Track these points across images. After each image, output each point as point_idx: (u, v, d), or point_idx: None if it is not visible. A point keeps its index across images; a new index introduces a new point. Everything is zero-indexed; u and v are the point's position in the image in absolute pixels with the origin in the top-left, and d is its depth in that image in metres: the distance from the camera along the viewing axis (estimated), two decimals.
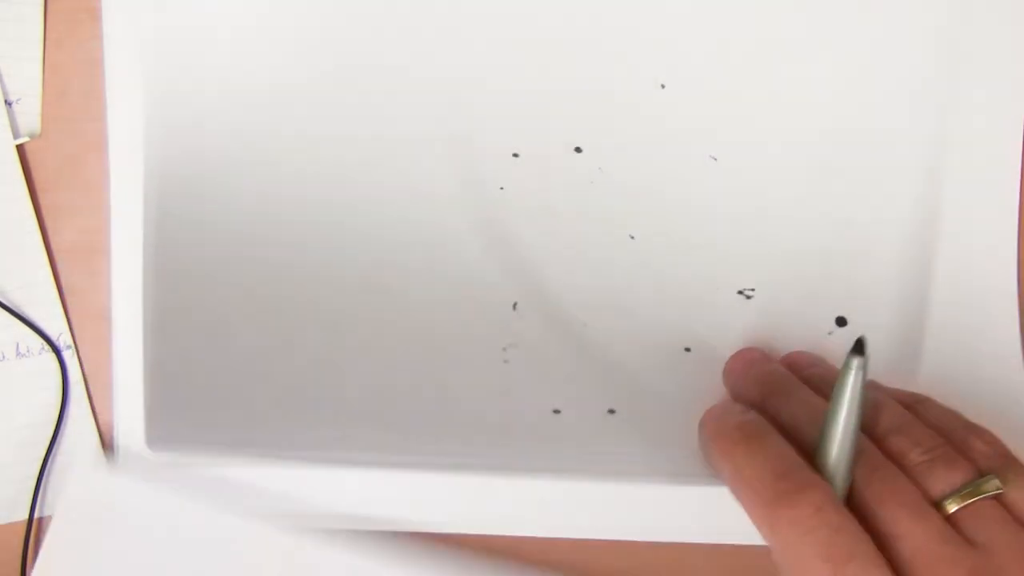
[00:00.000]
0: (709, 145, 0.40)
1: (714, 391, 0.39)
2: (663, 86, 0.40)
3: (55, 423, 0.39)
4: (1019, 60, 0.39)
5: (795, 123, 0.40)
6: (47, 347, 0.39)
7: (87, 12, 0.39)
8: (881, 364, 0.36)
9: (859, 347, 0.31)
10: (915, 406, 0.34)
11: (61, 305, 0.39)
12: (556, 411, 0.39)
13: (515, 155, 0.40)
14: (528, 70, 0.40)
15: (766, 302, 0.39)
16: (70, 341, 0.39)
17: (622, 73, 0.40)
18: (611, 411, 0.39)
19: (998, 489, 0.31)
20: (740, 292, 0.39)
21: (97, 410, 0.39)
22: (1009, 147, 0.39)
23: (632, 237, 0.39)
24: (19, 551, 0.39)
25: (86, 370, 0.40)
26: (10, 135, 0.39)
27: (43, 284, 0.39)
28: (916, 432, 0.33)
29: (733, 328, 0.39)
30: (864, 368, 0.31)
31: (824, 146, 0.40)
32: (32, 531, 0.39)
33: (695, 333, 0.39)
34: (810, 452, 0.32)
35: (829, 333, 0.39)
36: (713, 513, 0.36)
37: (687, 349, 0.39)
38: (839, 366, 0.31)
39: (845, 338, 0.39)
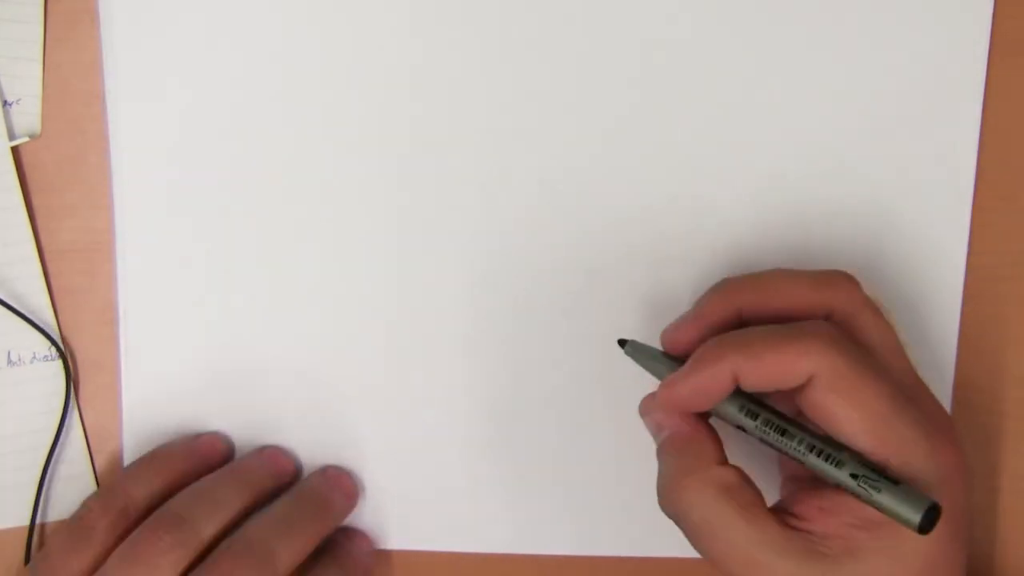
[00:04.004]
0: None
1: None
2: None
3: (55, 429, 0.39)
4: None
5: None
6: (43, 354, 0.39)
7: (87, 12, 0.38)
8: None
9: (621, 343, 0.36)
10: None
11: (52, 309, 0.39)
12: None
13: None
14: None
15: None
16: (67, 345, 0.39)
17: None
18: None
19: None
20: None
21: (84, 414, 0.40)
22: None
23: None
24: (21, 556, 0.39)
25: (80, 373, 0.39)
26: (6, 137, 0.38)
27: (43, 287, 0.39)
28: None
29: None
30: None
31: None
32: (34, 536, 0.39)
33: None
34: None
35: None
36: None
37: None
38: None
39: None
